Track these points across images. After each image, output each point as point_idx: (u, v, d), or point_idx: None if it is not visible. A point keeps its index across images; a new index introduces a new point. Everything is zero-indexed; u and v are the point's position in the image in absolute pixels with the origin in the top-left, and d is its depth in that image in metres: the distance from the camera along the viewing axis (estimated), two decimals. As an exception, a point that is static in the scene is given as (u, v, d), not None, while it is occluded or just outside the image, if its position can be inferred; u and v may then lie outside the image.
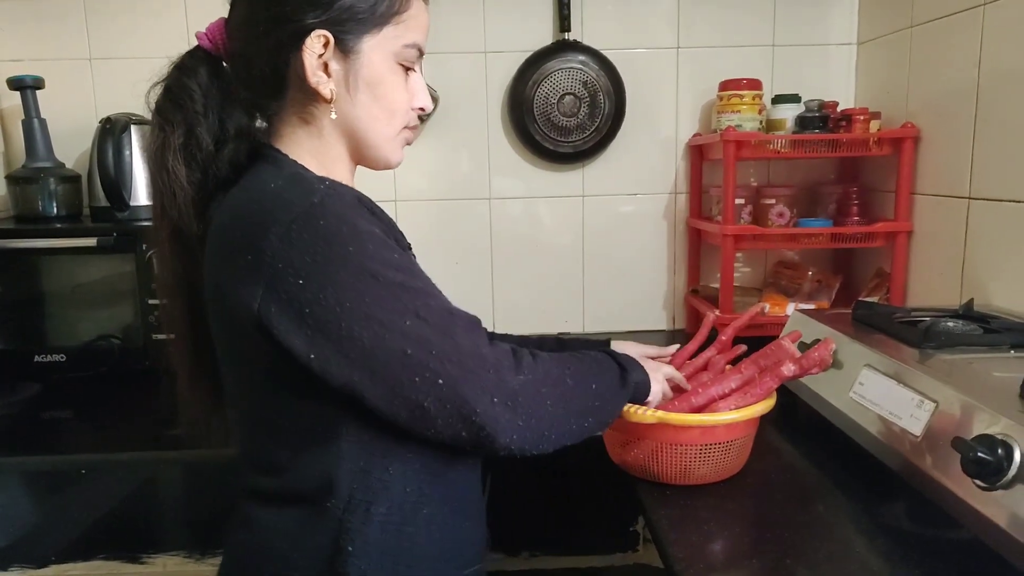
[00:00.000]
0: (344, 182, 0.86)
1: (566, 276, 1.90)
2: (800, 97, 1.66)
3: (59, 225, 1.62)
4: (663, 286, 1.91)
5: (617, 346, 1.09)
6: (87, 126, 1.67)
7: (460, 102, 1.81)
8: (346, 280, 0.71)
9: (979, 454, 0.75)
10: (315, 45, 0.79)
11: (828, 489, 1.03)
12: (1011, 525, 0.72)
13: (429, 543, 0.82)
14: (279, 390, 0.78)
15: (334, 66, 0.81)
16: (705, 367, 1.14)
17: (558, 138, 1.80)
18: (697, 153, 1.82)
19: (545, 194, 1.86)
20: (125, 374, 1.57)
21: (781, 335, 1.10)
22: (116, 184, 1.55)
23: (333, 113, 0.82)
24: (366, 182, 0.94)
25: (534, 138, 1.80)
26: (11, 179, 1.66)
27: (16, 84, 1.63)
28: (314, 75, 0.80)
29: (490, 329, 1.97)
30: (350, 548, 0.77)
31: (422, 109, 0.89)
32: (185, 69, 0.84)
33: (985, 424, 0.79)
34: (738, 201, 1.68)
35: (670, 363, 1.15)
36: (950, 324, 1.09)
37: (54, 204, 1.65)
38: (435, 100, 1.76)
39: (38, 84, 1.65)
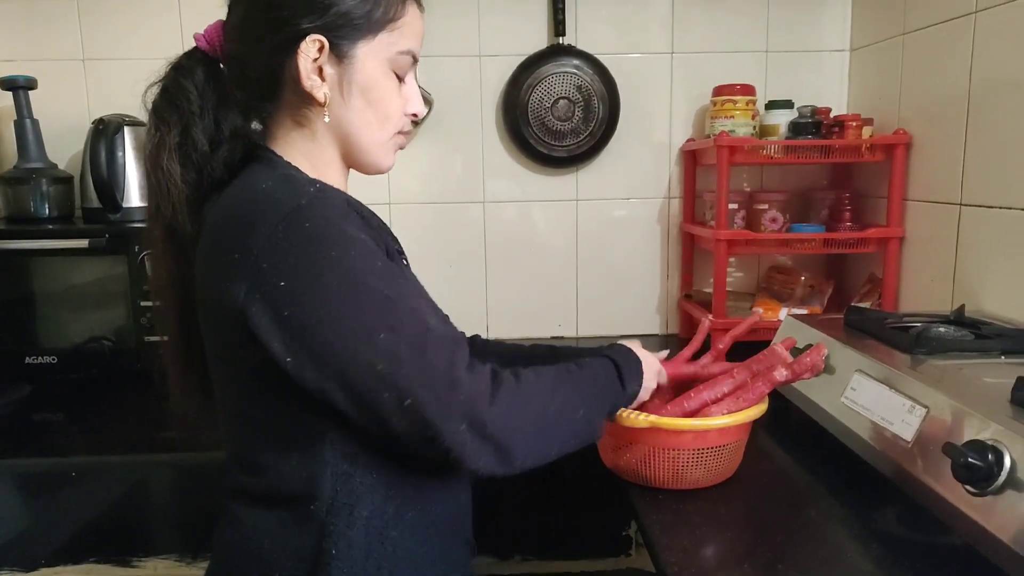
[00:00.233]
0: (337, 185, 0.86)
1: (560, 280, 1.90)
2: (793, 103, 1.67)
3: (51, 226, 1.61)
4: (656, 290, 1.91)
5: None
6: (80, 127, 1.66)
7: (454, 105, 1.81)
8: (325, 286, 0.71)
9: (970, 460, 0.75)
10: (310, 49, 0.80)
11: (820, 494, 1.03)
12: (1001, 531, 0.73)
13: (414, 547, 0.82)
14: (264, 391, 0.78)
15: (328, 70, 0.81)
16: (695, 376, 1.15)
17: (552, 142, 1.80)
18: (690, 158, 1.83)
19: (539, 198, 1.87)
20: (117, 376, 1.56)
21: (774, 340, 1.11)
22: (108, 185, 1.54)
23: (326, 116, 0.83)
24: (359, 185, 0.94)
25: (528, 142, 1.80)
26: (3, 180, 1.65)
27: (8, 84, 1.62)
28: (308, 79, 0.80)
29: (484, 333, 1.98)
30: (334, 551, 0.77)
31: (415, 115, 0.90)
32: (182, 70, 0.84)
33: (976, 430, 0.79)
34: (731, 206, 1.68)
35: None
36: (941, 330, 1.10)
37: (46, 205, 1.64)
38: (429, 103, 1.76)
39: (31, 84, 1.64)
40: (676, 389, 1.09)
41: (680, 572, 0.82)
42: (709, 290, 1.81)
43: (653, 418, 0.96)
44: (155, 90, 0.84)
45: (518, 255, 1.88)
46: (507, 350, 1.11)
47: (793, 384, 1.08)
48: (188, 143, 0.82)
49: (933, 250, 1.47)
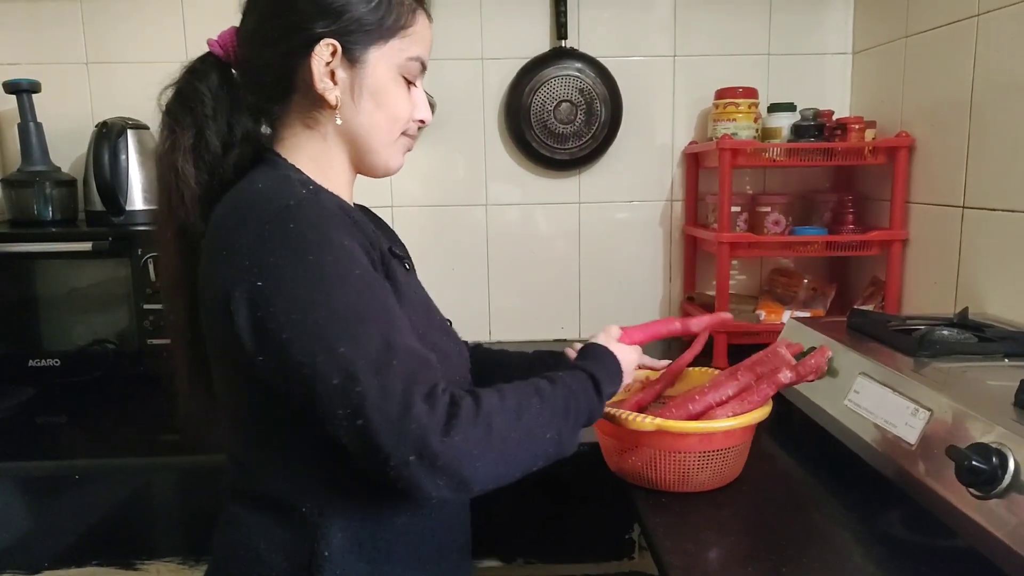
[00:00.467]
0: (341, 189, 0.87)
1: (562, 283, 1.90)
2: (795, 106, 1.67)
3: (54, 229, 1.61)
4: (659, 293, 1.91)
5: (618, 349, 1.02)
6: (83, 130, 1.66)
7: (457, 108, 1.81)
8: (296, 290, 0.71)
9: (974, 463, 0.75)
10: (323, 53, 0.81)
11: (823, 497, 1.03)
12: (1005, 534, 0.73)
13: (406, 552, 0.82)
14: (254, 390, 0.78)
15: (340, 74, 0.83)
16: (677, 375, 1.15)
17: (554, 145, 1.80)
18: (693, 161, 1.83)
19: (541, 201, 1.87)
20: (120, 379, 1.56)
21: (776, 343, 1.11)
22: (112, 188, 1.55)
23: (338, 119, 0.84)
24: (363, 188, 0.95)
25: (530, 145, 1.80)
26: (6, 183, 1.65)
27: (12, 87, 1.63)
28: (321, 81, 0.82)
29: (486, 336, 1.97)
30: (326, 553, 0.78)
31: (422, 122, 0.91)
32: (197, 73, 0.86)
33: (980, 433, 0.79)
34: (734, 209, 1.68)
35: (665, 373, 1.16)
36: (945, 332, 1.10)
37: (49, 208, 1.64)
38: (432, 106, 1.76)
39: (34, 88, 1.64)
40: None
41: (683, 575, 0.82)
42: (712, 293, 1.81)
43: (659, 421, 0.96)
44: (169, 93, 0.86)
45: (521, 258, 1.88)
46: (509, 359, 1.11)
47: (796, 387, 1.08)
48: (201, 145, 0.84)
49: (936, 253, 1.47)
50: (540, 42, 1.80)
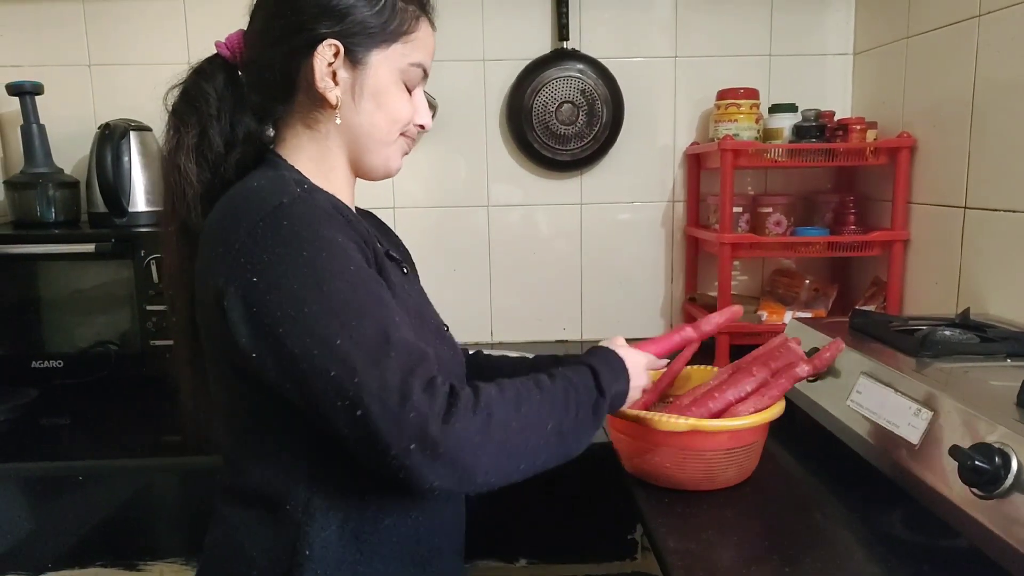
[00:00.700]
0: (341, 190, 0.88)
1: (564, 284, 1.90)
2: (797, 106, 1.67)
3: (57, 231, 1.62)
4: (661, 294, 1.91)
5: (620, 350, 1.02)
6: (86, 132, 1.67)
7: (458, 110, 1.81)
8: (291, 286, 0.72)
9: (976, 462, 0.75)
10: (326, 53, 0.82)
11: (826, 497, 1.03)
12: (1008, 533, 0.73)
13: (391, 554, 0.82)
14: (244, 388, 0.79)
15: (342, 74, 0.84)
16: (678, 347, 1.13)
17: (556, 146, 1.80)
18: (694, 162, 1.83)
19: (543, 202, 1.87)
20: (122, 380, 1.56)
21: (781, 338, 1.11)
22: (115, 190, 1.55)
23: (338, 119, 0.85)
24: (364, 189, 0.95)
25: (532, 146, 1.80)
26: (9, 184, 1.65)
27: (15, 90, 1.63)
28: (322, 80, 0.83)
29: (488, 337, 1.97)
30: (308, 552, 0.78)
31: (422, 127, 0.92)
32: (203, 73, 0.88)
33: (982, 433, 0.79)
34: (735, 209, 1.69)
35: (666, 373, 1.16)
36: (947, 333, 1.10)
37: (52, 210, 1.64)
38: (434, 108, 1.77)
39: (37, 90, 1.65)
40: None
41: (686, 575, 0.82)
42: (713, 293, 1.81)
43: (693, 421, 0.97)
44: (175, 93, 0.87)
45: (522, 259, 1.88)
46: (509, 364, 1.10)
47: (798, 387, 1.08)
48: (205, 144, 0.85)
49: (937, 253, 1.47)
50: (541, 43, 1.81)
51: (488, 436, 0.73)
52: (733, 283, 1.78)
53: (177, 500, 1.30)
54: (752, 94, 1.68)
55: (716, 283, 1.65)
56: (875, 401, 0.99)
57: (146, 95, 0.89)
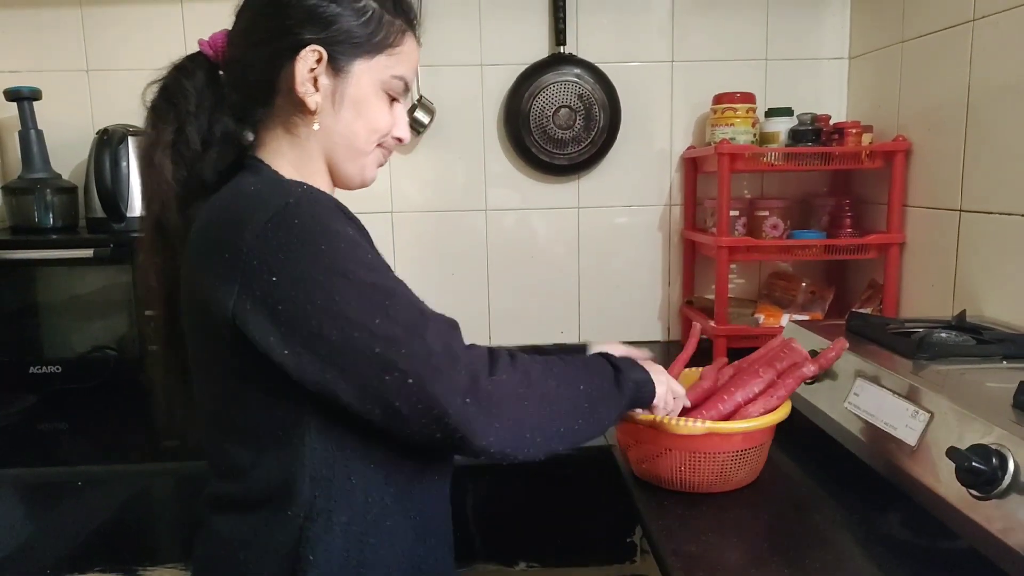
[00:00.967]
0: None
1: (561, 287, 1.90)
2: (793, 110, 1.68)
3: (55, 236, 1.62)
4: (658, 297, 1.92)
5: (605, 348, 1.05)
6: (84, 137, 1.67)
7: (456, 114, 1.82)
8: (317, 278, 0.72)
9: (973, 464, 0.76)
10: (309, 58, 0.82)
11: (823, 499, 1.03)
12: (1006, 534, 0.73)
13: (392, 556, 0.82)
14: (245, 391, 0.79)
15: (323, 81, 0.84)
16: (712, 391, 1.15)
17: (553, 150, 1.81)
18: (691, 165, 1.84)
19: (540, 206, 1.87)
20: (121, 385, 1.56)
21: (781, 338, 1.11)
22: (112, 195, 1.55)
23: (316, 124, 0.85)
24: (361, 193, 0.95)
25: (530, 150, 1.81)
26: (7, 190, 1.65)
27: (13, 95, 1.63)
28: (302, 85, 0.83)
29: (486, 341, 1.98)
30: (311, 557, 0.77)
31: (400, 140, 0.92)
32: (184, 70, 0.87)
33: (979, 434, 0.80)
34: (732, 213, 1.69)
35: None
36: (943, 335, 1.10)
37: (50, 215, 1.64)
38: (431, 112, 1.77)
39: (35, 95, 1.65)
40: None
41: (686, 577, 0.83)
42: (710, 296, 1.82)
43: (710, 424, 0.98)
44: (154, 88, 0.87)
45: (520, 263, 1.89)
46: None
47: (797, 390, 1.09)
48: (181, 141, 0.85)
49: (933, 256, 1.47)
50: (539, 48, 1.81)
51: (530, 389, 0.78)
52: (730, 286, 1.79)
53: (176, 505, 1.30)
54: (748, 98, 1.69)
55: (713, 286, 1.65)
56: (872, 403, 1.00)
57: (144, 86, 0.88)
